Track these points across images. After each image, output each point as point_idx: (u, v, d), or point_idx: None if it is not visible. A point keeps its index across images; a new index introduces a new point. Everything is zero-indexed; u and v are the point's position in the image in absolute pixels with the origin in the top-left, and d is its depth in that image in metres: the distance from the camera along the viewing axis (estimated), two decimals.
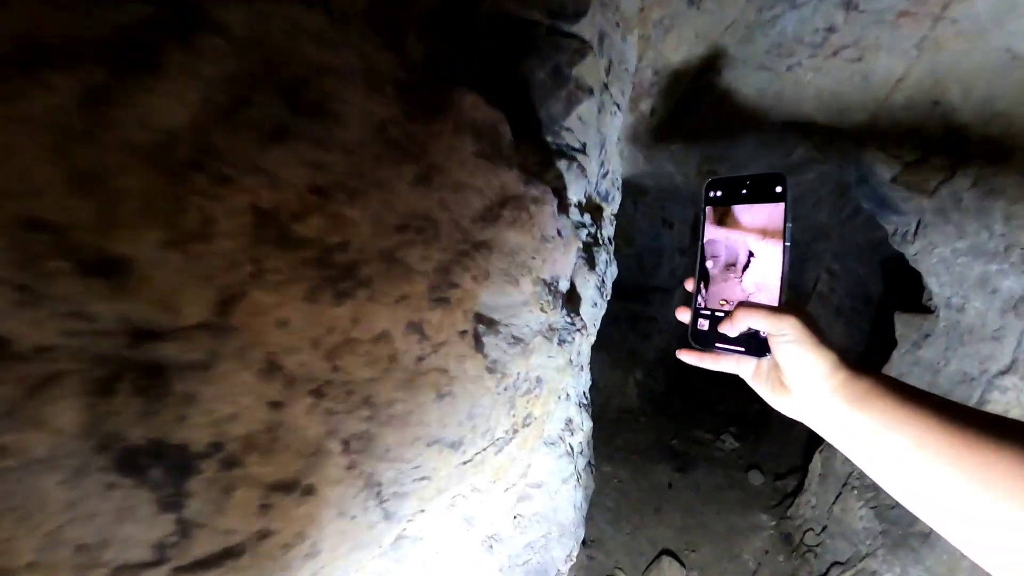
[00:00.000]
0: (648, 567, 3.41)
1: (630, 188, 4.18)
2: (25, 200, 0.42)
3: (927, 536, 2.83)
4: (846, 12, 2.60)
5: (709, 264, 0.67)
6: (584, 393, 2.11)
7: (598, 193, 1.51)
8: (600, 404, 4.65)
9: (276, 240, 0.53)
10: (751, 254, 0.64)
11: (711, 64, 3.08)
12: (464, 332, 0.81)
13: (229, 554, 0.76)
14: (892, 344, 3.44)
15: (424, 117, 0.72)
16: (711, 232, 0.67)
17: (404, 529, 1.17)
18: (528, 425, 1.14)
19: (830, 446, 3.56)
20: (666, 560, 3.41)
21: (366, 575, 1.16)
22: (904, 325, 3.40)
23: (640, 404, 4.88)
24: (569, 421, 1.91)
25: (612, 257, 1.53)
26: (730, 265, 0.65)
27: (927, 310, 3.33)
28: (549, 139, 1.26)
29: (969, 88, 2.46)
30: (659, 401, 5.12)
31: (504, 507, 1.48)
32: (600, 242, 1.38)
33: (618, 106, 1.79)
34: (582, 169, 1.32)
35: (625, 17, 2.07)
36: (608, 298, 1.51)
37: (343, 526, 0.86)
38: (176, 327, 0.50)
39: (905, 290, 3.59)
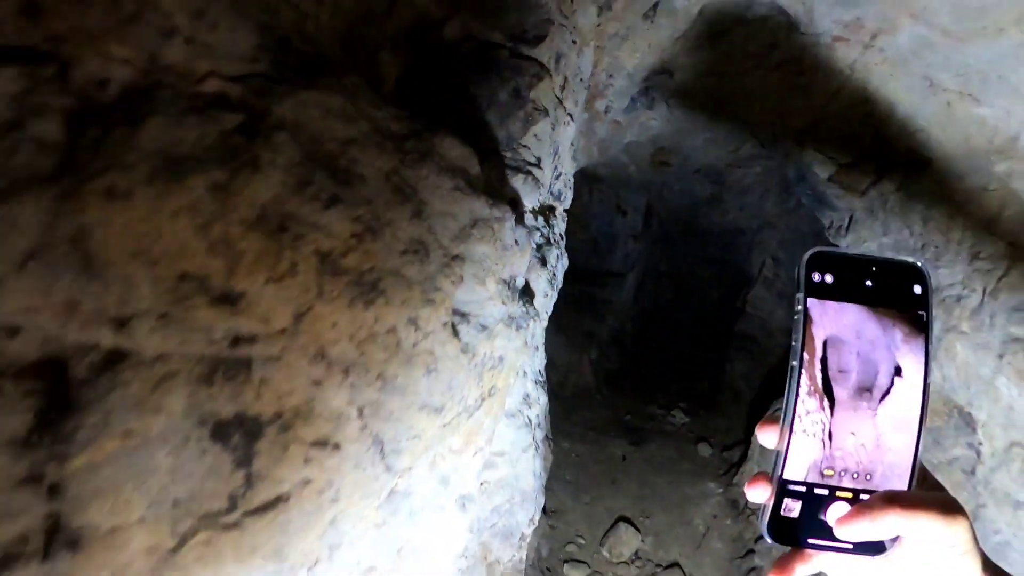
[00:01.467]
0: (606, 533, 3.83)
1: (586, 176, 4.53)
2: (180, 261, 0.70)
3: None
4: (788, 32, 2.97)
5: (835, 388, 0.47)
6: (540, 371, 2.45)
7: (551, 194, 1.83)
8: (557, 383, 5.03)
9: (331, 271, 0.83)
10: (897, 370, 0.47)
11: (663, 69, 3.41)
12: (445, 323, 1.13)
13: (280, 499, 1.06)
14: None
15: (415, 164, 1.02)
16: (822, 332, 0.47)
17: (396, 484, 1.49)
18: (492, 396, 1.47)
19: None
20: (623, 526, 3.83)
21: (369, 523, 1.48)
22: None
23: (595, 382, 5.32)
24: (527, 396, 2.26)
25: (563, 251, 1.86)
26: (863, 390, 0.46)
27: None
28: (508, 155, 1.56)
29: (893, 106, 2.88)
30: (613, 379, 5.59)
31: (473, 470, 1.81)
32: (552, 241, 1.71)
33: (571, 116, 2.10)
34: (536, 181, 1.63)
35: (582, 33, 2.37)
36: (559, 287, 1.85)
37: (357, 476, 1.18)
38: (266, 333, 0.79)
39: None
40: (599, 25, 2.70)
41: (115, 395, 0.76)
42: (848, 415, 0.46)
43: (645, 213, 5.37)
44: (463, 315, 1.21)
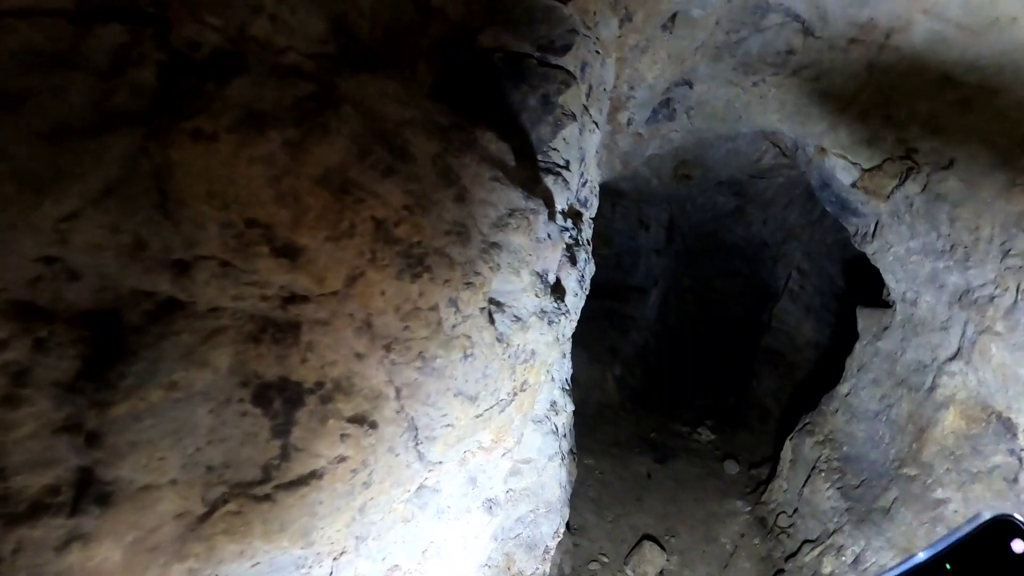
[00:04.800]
0: (631, 552, 3.79)
1: (608, 192, 4.62)
2: (250, 208, 0.78)
3: (887, 511, 3.22)
4: (804, 37, 3.05)
5: None
6: (566, 379, 2.49)
7: (579, 200, 1.91)
8: (580, 399, 5.04)
9: (384, 239, 0.91)
10: None
11: (683, 80, 3.50)
12: (483, 309, 1.19)
13: (314, 475, 1.11)
14: (856, 337, 3.80)
15: (459, 152, 1.11)
16: None
17: (425, 479, 1.53)
18: (524, 391, 1.52)
19: (800, 433, 3.98)
20: (647, 545, 3.80)
21: (396, 517, 1.51)
22: (865, 319, 3.79)
23: (619, 399, 5.32)
24: (554, 403, 2.29)
25: (590, 256, 1.92)
26: None
27: (886, 304, 3.72)
28: (539, 158, 1.64)
29: (914, 105, 2.92)
30: (637, 396, 5.58)
31: (502, 472, 1.85)
32: (580, 243, 1.78)
33: (596, 124, 2.19)
34: (566, 183, 1.71)
35: (604, 44, 2.47)
36: (587, 291, 1.91)
37: (390, 461, 1.23)
38: (318, 294, 0.87)
39: (867, 286, 4.02)
40: (620, 37, 2.81)
41: (165, 344, 0.83)
42: None
43: (668, 227, 5.45)
44: (498, 304, 1.27)
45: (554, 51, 1.94)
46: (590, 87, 2.12)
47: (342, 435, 1.05)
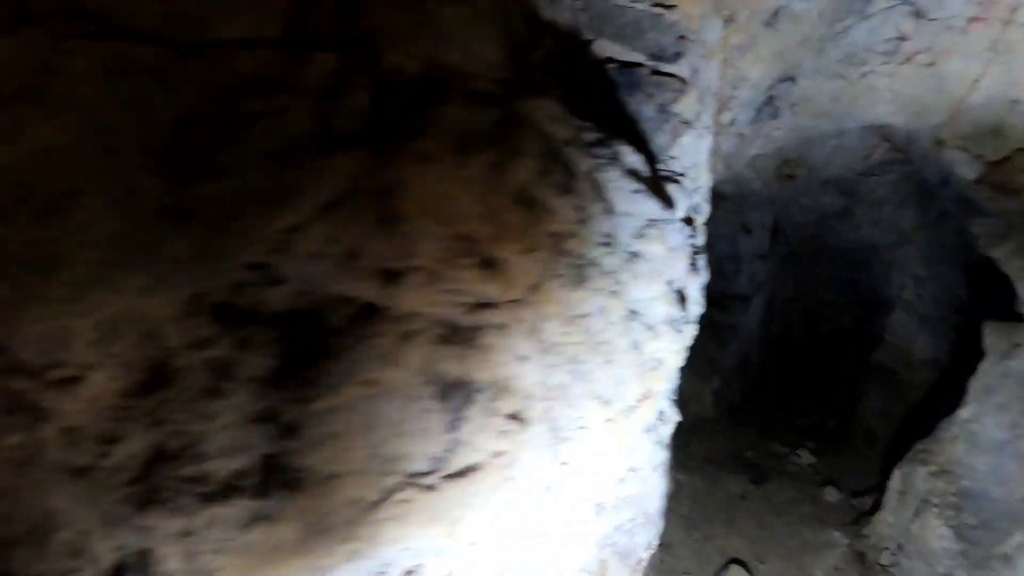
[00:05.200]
0: (717, 574, 3.77)
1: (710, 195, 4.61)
2: (461, 223, 0.96)
3: (1009, 557, 3.02)
4: (916, 21, 2.96)
5: None
6: (673, 390, 2.57)
7: (693, 208, 2.00)
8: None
9: (558, 251, 1.06)
10: None
11: (786, 76, 3.49)
12: (623, 316, 1.32)
13: (473, 469, 1.26)
14: (980, 355, 3.55)
15: (605, 167, 1.26)
16: None
17: (551, 478, 1.67)
18: (648, 399, 1.64)
19: (911, 461, 3.81)
20: (735, 569, 3.78)
21: (521, 512, 1.65)
22: (992, 335, 3.54)
23: (716, 413, 5.28)
24: (662, 413, 2.38)
25: (706, 263, 2.01)
26: None
27: (1017, 318, 3.50)
28: (660, 166, 1.76)
29: None
30: (735, 411, 5.52)
31: (615, 476, 1.96)
32: (699, 251, 1.87)
33: (707, 128, 2.26)
34: (685, 190, 1.81)
35: (709, 47, 2.55)
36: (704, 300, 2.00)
37: (531, 458, 1.37)
38: (502, 301, 1.03)
39: (994, 297, 3.81)
40: (724, 38, 2.87)
41: (364, 345, 1.01)
42: None
43: (771, 231, 5.39)
44: (633, 312, 1.39)
45: (666, 59, 2.04)
46: (701, 92, 2.20)
47: (500, 431, 1.21)
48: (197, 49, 0.94)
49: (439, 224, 0.95)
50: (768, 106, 3.58)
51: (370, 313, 1.05)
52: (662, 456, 2.69)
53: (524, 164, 1.02)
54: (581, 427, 1.43)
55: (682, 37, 2.21)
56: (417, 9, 1.02)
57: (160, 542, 0.96)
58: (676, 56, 2.07)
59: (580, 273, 1.14)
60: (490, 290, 1.03)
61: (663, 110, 1.91)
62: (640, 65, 2.01)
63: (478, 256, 0.98)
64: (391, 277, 0.99)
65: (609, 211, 1.23)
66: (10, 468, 0.83)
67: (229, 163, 1.01)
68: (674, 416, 2.64)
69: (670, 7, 2.33)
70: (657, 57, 2.04)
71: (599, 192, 1.23)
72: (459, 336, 1.06)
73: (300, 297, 1.06)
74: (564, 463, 1.61)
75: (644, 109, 1.88)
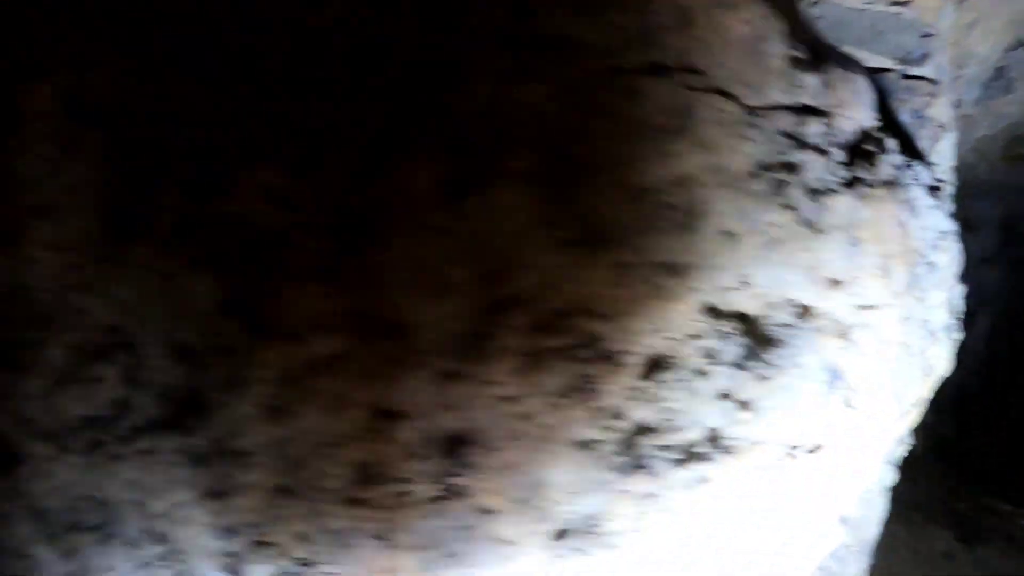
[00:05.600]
0: None
1: None
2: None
3: None
4: None
5: None
6: None
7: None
8: None
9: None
10: None
11: (1019, 42, 3.28)
12: (921, 322, 1.50)
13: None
14: None
15: (910, 186, 1.43)
16: None
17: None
18: (917, 406, 1.74)
19: None
20: None
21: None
22: None
23: (923, 449, 4.81)
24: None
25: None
26: None
27: None
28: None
29: None
30: (947, 448, 4.96)
31: (863, 485, 2.05)
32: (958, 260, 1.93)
33: (953, 124, 2.27)
34: (945, 196, 1.89)
35: (943, 35, 2.53)
36: None
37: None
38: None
39: None
40: (956, 21, 2.82)
41: (804, 339, 1.32)
42: None
43: (1001, 227, 4.79)
44: (923, 320, 1.54)
45: (913, 61, 2.10)
46: (947, 91, 2.22)
47: (843, 410, 1.46)
48: None
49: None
50: (998, 80, 3.37)
51: (805, 313, 1.35)
52: (890, 479, 2.64)
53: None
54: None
55: (924, 35, 2.24)
56: None
57: (617, 504, 1.29)
58: (923, 57, 2.10)
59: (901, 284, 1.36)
60: (878, 292, 1.36)
61: (918, 115, 1.97)
62: (889, 70, 2.08)
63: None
64: (832, 284, 1.34)
65: (904, 224, 1.43)
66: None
67: None
68: (908, 440, 2.61)
69: (905, 2, 2.36)
70: (904, 60, 2.09)
71: (910, 207, 1.43)
72: (844, 331, 1.38)
73: (752, 300, 1.33)
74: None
75: (899, 115, 1.96)
